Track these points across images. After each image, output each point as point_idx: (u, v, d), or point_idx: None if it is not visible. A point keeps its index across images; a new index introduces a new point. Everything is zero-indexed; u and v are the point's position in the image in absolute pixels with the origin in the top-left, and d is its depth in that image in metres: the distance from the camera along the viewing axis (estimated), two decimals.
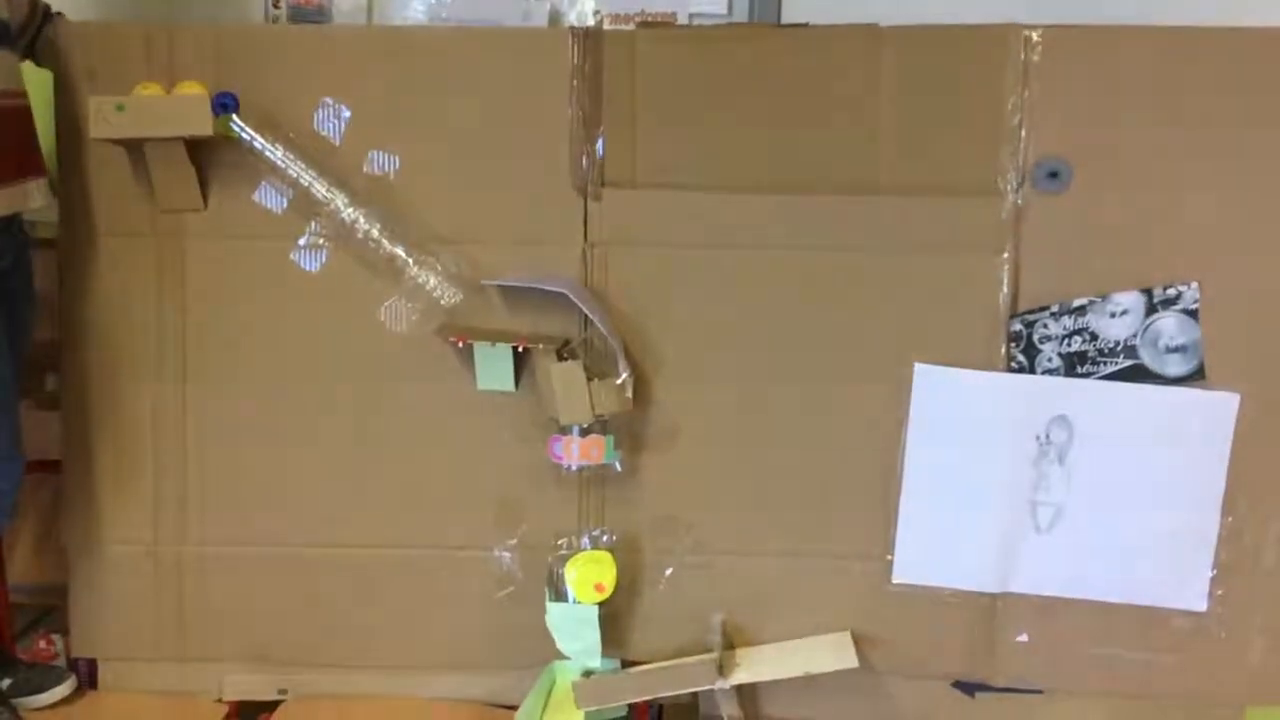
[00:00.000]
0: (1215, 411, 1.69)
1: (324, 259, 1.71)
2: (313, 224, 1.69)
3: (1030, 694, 1.77)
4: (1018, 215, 1.67)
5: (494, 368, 1.70)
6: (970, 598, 1.75)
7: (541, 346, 1.65)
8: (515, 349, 1.66)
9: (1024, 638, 1.75)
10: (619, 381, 1.65)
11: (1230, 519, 1.70)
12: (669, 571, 1.76)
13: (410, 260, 1.67)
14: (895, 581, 1.75)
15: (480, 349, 1.67)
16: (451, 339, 1.66)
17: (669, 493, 1.75)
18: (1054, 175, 1.66)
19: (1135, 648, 1.74)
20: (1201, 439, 1.69)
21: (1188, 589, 1.72)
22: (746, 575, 1.76)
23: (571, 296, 1.62)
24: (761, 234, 1.69)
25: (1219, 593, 1.71)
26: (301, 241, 1.71)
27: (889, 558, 1.75)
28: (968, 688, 1.78)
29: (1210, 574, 1.71)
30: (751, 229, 1.69)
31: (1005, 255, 1.67)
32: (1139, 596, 1.73)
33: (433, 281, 1.67)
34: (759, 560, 1.76)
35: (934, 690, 1.79)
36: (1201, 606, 1.72)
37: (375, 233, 1.66)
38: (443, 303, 1.68)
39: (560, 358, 1.66)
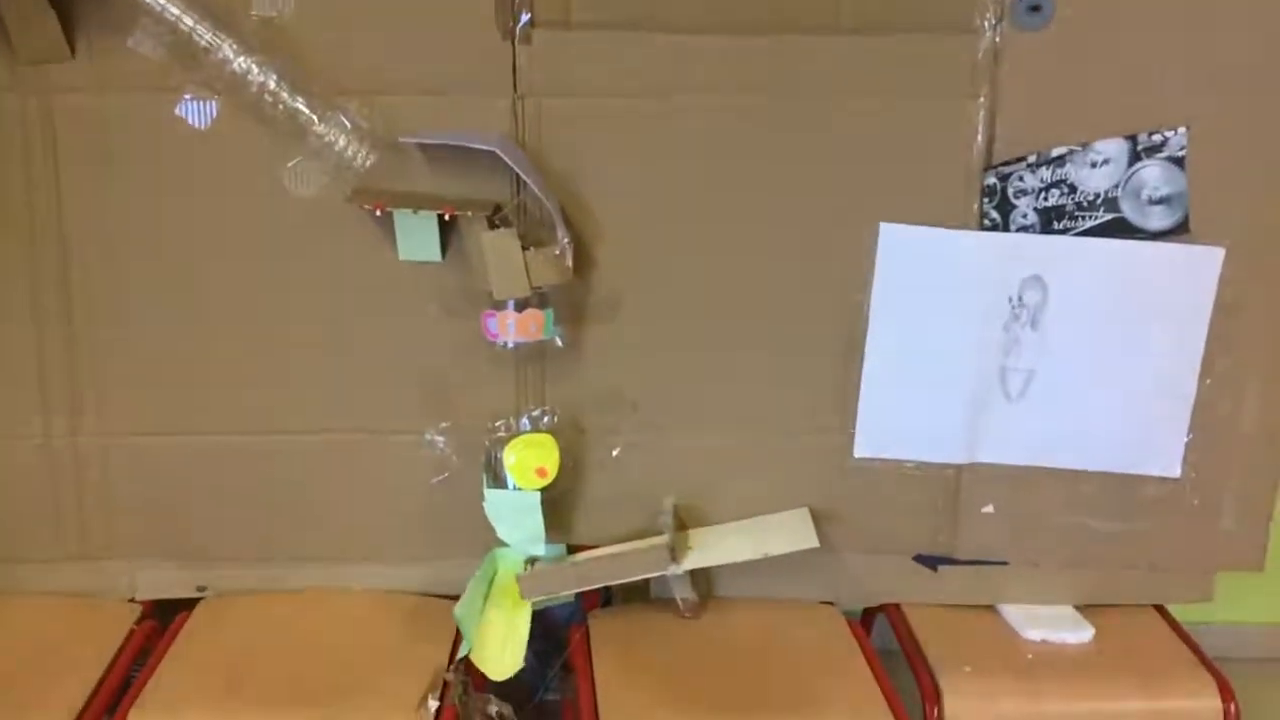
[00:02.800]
0: (1198, 267, 1.57)
1: (214, 114, 1.49)
2: (198, 74, 1.47)
3: (995, 566, 1.70)
4: (995, 55, 1.50)
5: (417, 237, 1.52)
6: (935, 470, 1.65)
7: (470, 213, 1.47)
8: (440, 216, 1.48)
9: (990, 509, 1.67)
10: (557, 250, 1.49)
11: (1209, 381, 1.61)
12: (616, 452, 1.64)
13: (314, 116, 1.46)
14: (857, 456, 1.64)
15: (401, 217, 1.49)
16: (367, 206, 1.47)
17: (614, 368, 1.61)
18: (1035, 9, 1.48)
19: (1105, 517, 1.66)
20: (1183, 297, 1.58)
21: (1162, 455, 1.64)
22: (699, 454, 1.64)
23: (501, 155, 1.44)
24: (712, 80, 1.50)
25: (1193, 458, 1.64)
26: (187, 95, 1.49)
27: (850, 431, 1.63)
28: (930, 561, 1.70)
29: (1186, 438, 1.63)
30: (701, 75, 1.50)
31: (981, 100, 1.51)
32: (1111, 464, 1.65)
33: (342, 140, 1.47)
34: (712, 438, 1.64)
35: (896, 565, 1.71)
36: (1175, 472, 1.64)
37: (272, 84, 1.45)
38: (355, 164, 1.48)
39: (491, 225, 1.48)
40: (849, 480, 1.65)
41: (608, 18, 1.49)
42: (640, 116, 1.52)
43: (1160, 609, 1.74)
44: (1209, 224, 1.55)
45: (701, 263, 1.58)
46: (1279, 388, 1.62)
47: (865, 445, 1.64)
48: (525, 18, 1.47)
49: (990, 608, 1.72)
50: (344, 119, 1.46)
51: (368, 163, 1.48)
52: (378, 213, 1.47)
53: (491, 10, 1.47)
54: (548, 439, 1.57)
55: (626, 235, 1.56)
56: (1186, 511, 1.66)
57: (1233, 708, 1.54)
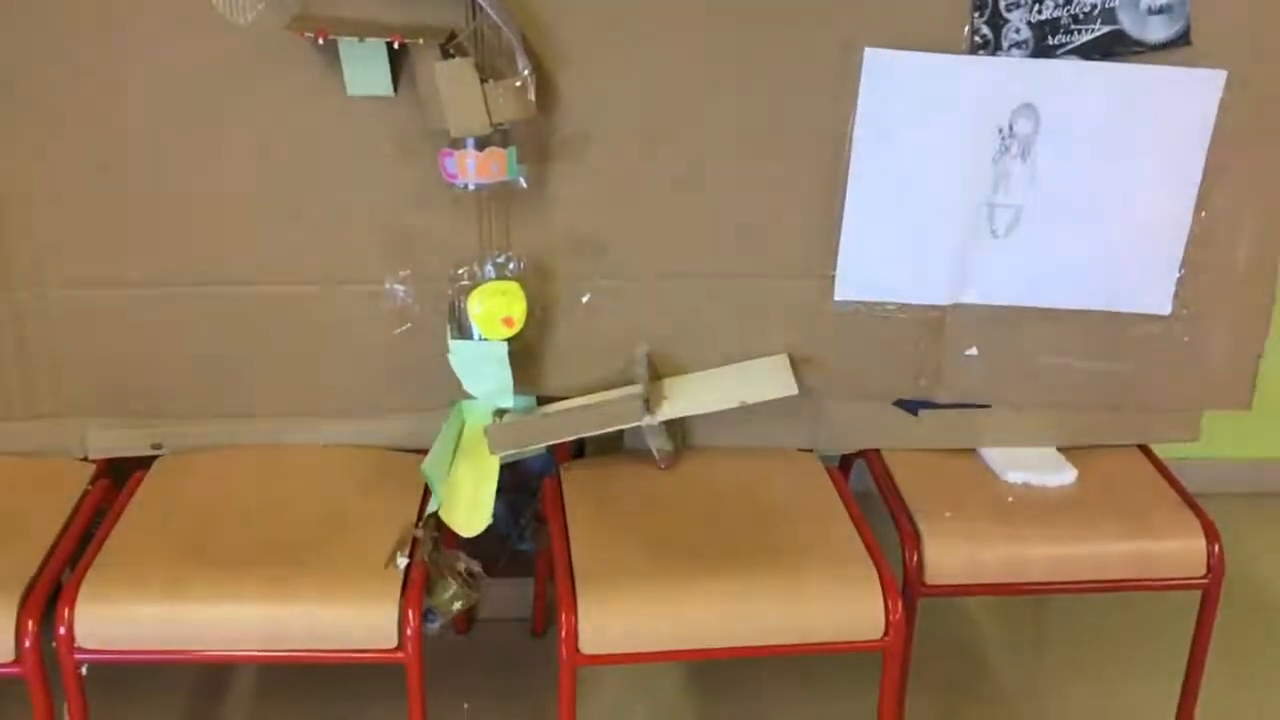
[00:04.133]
0: (1198, 91, 1.48)
1: None
2: None
3: (977, 409, 1.65)
4: None
5: (366, 69, 1.40)
6: (918, 312, 1.59)
7: (422, 41, 1.36)
8: (390, 45, 1.37)
9: (973, 351, 1.61)
10: (518, 82, 1.38)
11: (1204, 214, 1.54)
12: (586, 298, 1.56)
13: None
14: (838, 299, 1.57)
15: (346, 45, 1.37)
16: (308, 34, 1.35)
17: (583, 210, 1.52)
18: None
19: (1092, 356, 1.61)
20: (1181, 124, 1.50)
21: (1153, 291, 1.58)
22: (672, 299, 1.57)
23: None
24: None
25: (1185, 294, 1.58)
26: None
27: (830, 273, 1.56)
28: (911, 406, 1.65)
29: (1178, 274, 1.57)
30: None
31: None
32: (1101, 302, 1.59)
33: None
34: (686, 282, 1.56)
35: (875, 410, 1.66)
36: (1166, 310, 1.59)
37: None
38: None
39: (445, 55, 1.37)
40: (829, 324, 1.59)
41: None
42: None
43: (1144, 449, 1.71)
44: (1210, 37, 1.45)
45: (674, 95, 1.47)
46: (1275, 223, 1.56)
47: (846, 288, 1.57)
48: None
49: (971, 451, 1.69)
50: None
51: None
52: (320, 41, 1.35)
53: None
54: (514, 286, 1.49)
55: (593, 66, 1.45)
56: (1175, 350, 1.61)
57: (1216, 548, 1.52)
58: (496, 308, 1.48)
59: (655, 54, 1.45)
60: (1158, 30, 1.44)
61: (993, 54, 1.46)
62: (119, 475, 1.61)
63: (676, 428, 1.62)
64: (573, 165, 1.49)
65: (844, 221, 1.54)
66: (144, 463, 1.62)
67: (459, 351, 1.50)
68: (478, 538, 1.48)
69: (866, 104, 1.48)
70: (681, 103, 1.47)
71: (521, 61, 1.38)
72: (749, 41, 1.45)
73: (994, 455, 1.66)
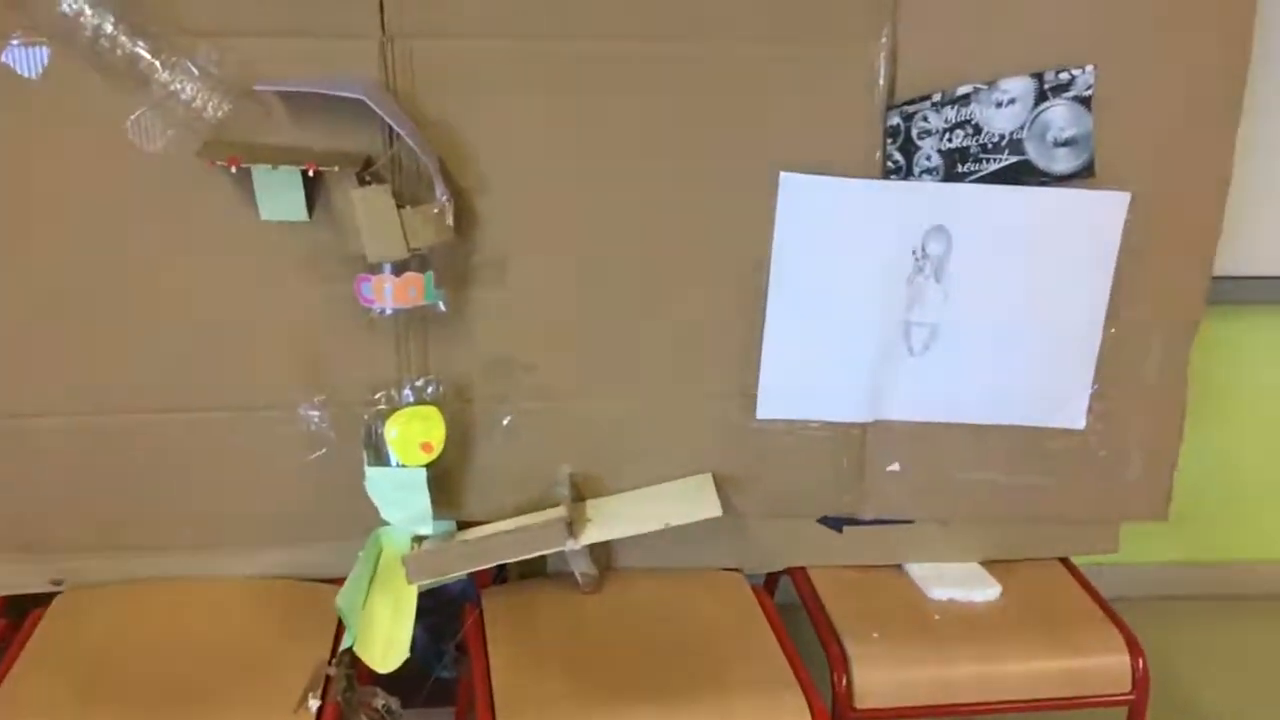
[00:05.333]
0: (1104, 213, 1.52)
1: (44, 61, 1.33)
2: (25, 16, 1.31)
3: (900, 525, 1.65)
4: None
5: (280, 195, 1.38)
6: (839, 429, 1.59)
7: (337, 169, 1.35)
8: (304, 172, 1.35)
9: (895, 467, 1.62)
10: (436, 208, 1.37)
11: (1114, 330, 1.57)
12: (507, 420, 1.53)
13: (157, 62, 1.31)
14: (760, 417, 1.57)
15: (259, 173, 1.36)
16: (220, 162, 1.33)
17: (503, 332, 1.50)
18: None
19: (1011, 471, 1.63)
20: (1088, 244, 1.54)
21: (1067, 407, 1.61)
22: (595, 420, 1.55)
23: (370, 103, 1.31)
24: (604, 20, 1.39)
25: (1099, 409, 1.60)
26: (14, 40, 1.32)
27: (753, 392, 1.56)
28: (835, 523, 1.65)
29: (1090, 389, 1.60)
30: (589, 15, 1.39)
31: (883, 38, 1.43)
32: (1017, 417, 1.60)
33: (190, 89, 1.32)
34: (608, 403, 1.55)
35: (800, 528, 1.65)
36: (1080, 424, 1.61)
37: (109, 27, 1.29)
38: (206, 115, 1.34)
39: (362, 181, 1.36)
40: (752, 442, 1.58)
41: None
42: (523, 60, 1.40)
43: (1065, 561, 1.72)
44: (1114, 167, 1.50)
45: (593, 218, 1.47)
46: (1183, 336, 1.59)
47: (768, 406, 1.57)
48: None
49: (896, 566, 1.68)
50: (191, 65, 1.31)
51: (220, 113, 1.34)
52: (233, 169, 1.33)
53: None
54: (432, 411, 1.46)
55: (512, 189, 1.45)
56: (1092, 463, 1.63)
57: (1141, 662, 1.53)
58: (414, 433, 1.45)
59: (574, 179, 1.45)
60: (1063, 162, 1.49)
61: (905, 179, 1.49)
62: (17, 613, 1.53)
63: (600, 550, 1.59)
64: (492, 288, 1.48)
65: (765, 341, 1.54)
66: (44, 600, 1.54)
67: (376, 479, 1.46)
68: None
69: (783, 227, 1.49)
70: (601, 225, 1.48)
71: (439, 188, 1.38)
72: (668, 165, 1.46)
73: (919, 571, 1.66)
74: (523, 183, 1.45)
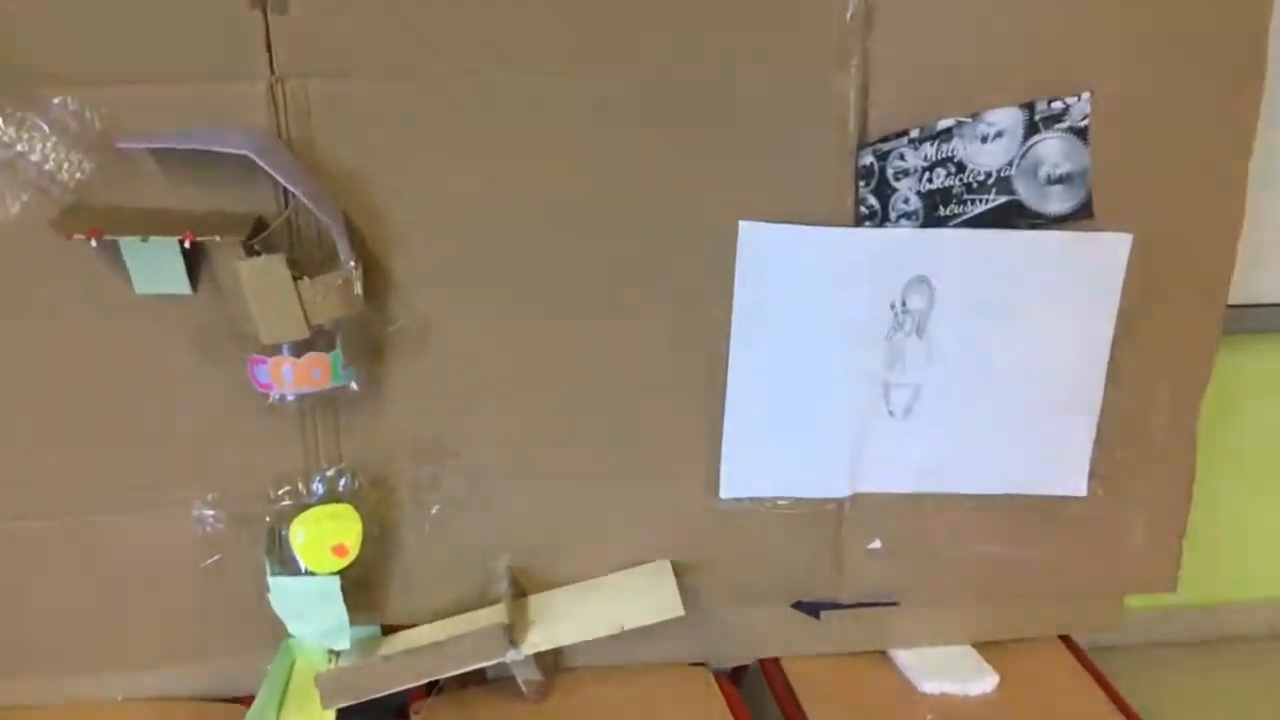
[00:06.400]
0: (1104, 257, 1.35)
1: None
2: None
3: (884, 607, 1.48)
4: (868, 12, 1.23)
5: (156, 266, 1.18)
6: (814, 505, 1.41)
7: (219, 237, 1.15)
8: (181, 243, 1.15)
9: (877, 545, 1.44)
10: (340, 278, 1.18)
11: (1116, 386, 1.40)
12: (435, 510, 1.34)
13: (1, 117, 1.11)
14: (723, 496, 1.39)
15: (128, 244, 1.15)
16: (78, 235, 1.12)
17: (427, 412, 1.31)
18: None
19: (1005, 544, 1.45)
20: (1086, 292, 1.37)
21: (1067, 472, 1.43)
22: (536, 506, 1.36)
23: (257, 160, 1.11)
24: (535, 51, 1.20)
25: (1101, 473, 1.43)
26: None
27: (714, 468, 1.38)
28: (811, 608, 1.46)
29: (1091, 452, 1.43)
30: (518, 46, 1.19)
31: (853, 68, 1.25)
32: (1010, 485, 1.43)
33: (42, 147, 1.12)
34: (551, 486, 1.36)
35: (773, 615, 1.47)
36: (1081, 491, 1.44)
37: None
38: (62, 179, 1.13)
39: (250, 251, 1.16)
40: (715, 524, 1.40)
41: None
42: (440, 99, 1.20)
43: (1066, 639, 1.55)
44: (1114, 207, 1.32)
45: (527, 277, 1.28)
46: (1192, 391, 1.43)
47: (732, 484, 1.39)
48: None
49: (881, 654, 1.50)
50: (40, 121, 1.11)
51: (80, 175, 1.14)
52: (93, 243, 1.13)
53: None
54: (345, 509, 1.27)
55: (433, 248, 1.25)
56: (1093, 532, 1.46)
57: None
58: (324, 535, 1.25)
59: (504, 235, 1.26)
60: (1057, 202, 1.31)
61: (880, 225, 1.31)
62: None
63: (547, 652, 1.40)
64: (414, 361, 1.28)
65: (727, 411, 1.36)
66: None
67: (281, 590, 1.26)
68: None
69: (744, 282, 1.31)
70: (536, 286, 1.28)
71: (345, 252, 1.18)
72: (612, 214, 1.27)
73: (907, 660, 1.48)
74: (445, 240, 1.25)
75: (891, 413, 1.39)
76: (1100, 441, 1.42)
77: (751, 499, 1.40)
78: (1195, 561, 1.50)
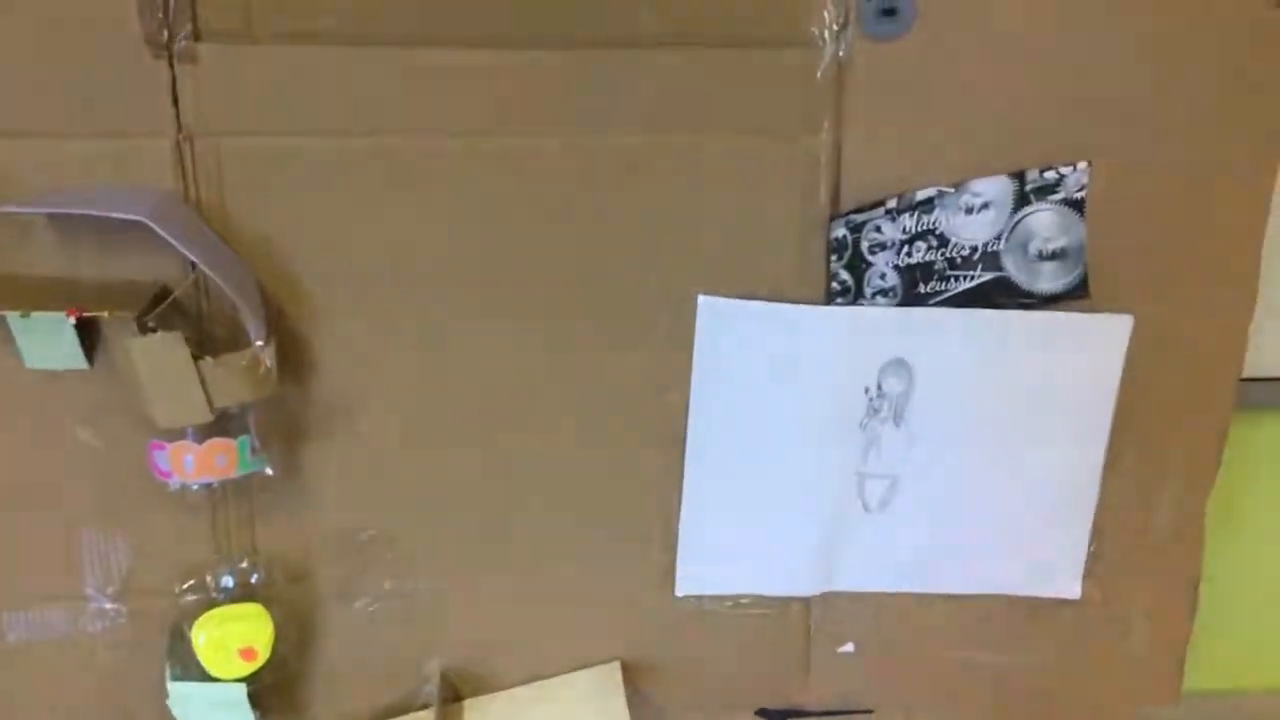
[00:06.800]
0: (1102, 340, 1.23)
1: None
2: None
3: (857, 716, 1.35)
4: (840, 74, 1.12)
5: (47, 340, 1.07)
6: (779, 605, 1.29)
7: (108, 314, 1.03)
8: (71, 318, 1.04)
9: (849, 648, 1.31)
10: (245, 360, 1.06)
11: (1114, 479, 1.28)
12: (359, 606, 1.22)
13: None
14: (680, 593, 1.26)
15: (13, 319, 1.04)
16: None
17: (352, 498, 1.19)
18: (889, 12, 1.11)
19: (990, 649, 1.32)
20: (1082, 378, 1.24)
21: (1060, 572, 1.31)
22: (474, 602, 1.24)
23: (153, 226, 1.00)
24: (463, 112, 1.09)
25: (1097, 573, 1.30)
26: None
27: (670, 563, 1.25)
28: (777, 716, 1.34)
29: (1087, 550, 1.30)
30: (446, 104, 1.08)
31: (823, 133, 1.13)
32: (997, 585, 1.30)
33: None
34: (491, 579, 1.23)
35: None
36: (1075, 593, 1.31)
37: None
38: None
39: (144, 328, 1.04)
40: (671, 624, 1.27)
41: (311, 26, 1.06)
42: (366, 160, 1.09)
43: None
44: (1113, 285, 1.20)
45: (463, 352, 1.17)
46: (1199, 484, 1.30)
47: (690, 580, 1.26)
48: (186, 26, 1.04)
49: None
50: None
51: None
52: None
53: (134, 14, 1.03)
54: (254, 609, 1.15)
55: (359, 323, 1.14)
56: (1089, 638, 1.33)
57: None
58: (230, 637, 1.13)
59: (436, 303, 1.14)
60: (1050, 279, 1.19)
61: (854, 302, 1.19)
62: None
63: None
64: (338, 443, 1.17)
65: (684, 500, 1.24)
66: None
67: (180, 696, 1.14)
68: None
69: (703, 362, 1.19)
70: (474, 362, 1.17)
71: (254, 327, 1.07)
72: (558, 286, 1.16)
73: None
74: (371, 311, 1.14)
75: (866, 506, 1.27)
76: (1097, 539, 1.29)
77: (711, 597, 1.28)
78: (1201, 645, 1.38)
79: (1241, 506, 1.63)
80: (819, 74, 1.11)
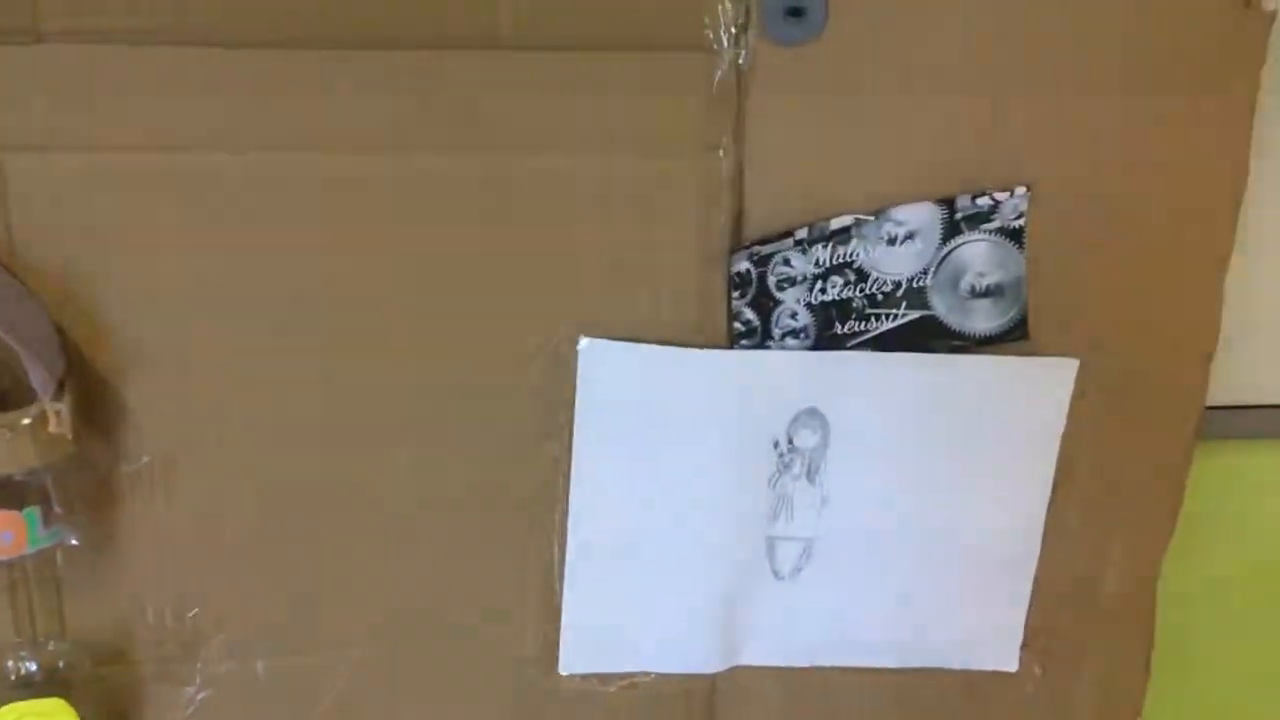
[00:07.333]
0: (1043, 388, 1.08)
1: None
2: None
3: None
4: (740, 83, 0.96)
5: None
6: (679, 684, 1.13)
7: None
8: None
9: None
10: (29, 416, 0.90)
11: (1056, 540, 1.13)
12: (187, 692, 1.06)
13: None
14: (564, 673, 1.11)
15: None
16: None
17: (176, 572, 1.02)
18: (796, 13, 0.95)
19: None
20: (1020, 428, 1.09)
21: (994, 643, 1.16)
22: (327, 685, 1.08)
23: None
24: (289, 125, 0.92)
25: (1037, 644, 1.16)
26: None
27: (552, 639, 1.10)
28: None
29: (1025, 619, 1.16)
30: (268, 116, 0.92)
31: (721, 152, 0.98)
32: (926, 658, 1.16)
33: None
34: (346, 659, 1.07)
35: None
36: (1012, 666, 1.17)
37: None
38: None
39: None
40: (554, 707, 1.12)
41: (114, 23, 0.89)
42: (183, 182, 0.93)
43: None
44: (1055, 325, 1.06)
45: (303, 402, 1.00)
46: (1152, 543, 1.16)
47: (574, 658, 1.11)
48: None
49: None
50: None
51: None
52: None
53: None
54: (56, 704, 0.97)
55: (178, 369, 0.97)
56: (1029, 716, 1.19)
57: None
58: None
59: (270, 343, 0.98)
60: (984, 318, 1.04)
61: (760, 345, 1.04)
62: None
63: None
64: (155, 507, 1.00)
65: (566, 568, 1.08)
66: None
67: None
68: None
69: (586, 413, 1.03)
70: (319, 411, 1.01)
71: (40, 381, 0.90)
72: (415, 326, 1.00)
73: None
74: (190, 354, 0.97)
75: (777, 572, 1.12)
76: (1036, 606, 1.15)
77: (600, 675, 1.12)
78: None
79: (1200, 560, 1.50)
80: (715, 83, 0.96)
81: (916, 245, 1.03)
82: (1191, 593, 1.26)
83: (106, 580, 1.02)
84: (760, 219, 1.00)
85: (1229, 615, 1.35)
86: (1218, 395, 1.14)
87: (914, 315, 1.05)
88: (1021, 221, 1.02)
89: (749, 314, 1.03)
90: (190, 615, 1.04)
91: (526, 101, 0.94)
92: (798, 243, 1.01)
